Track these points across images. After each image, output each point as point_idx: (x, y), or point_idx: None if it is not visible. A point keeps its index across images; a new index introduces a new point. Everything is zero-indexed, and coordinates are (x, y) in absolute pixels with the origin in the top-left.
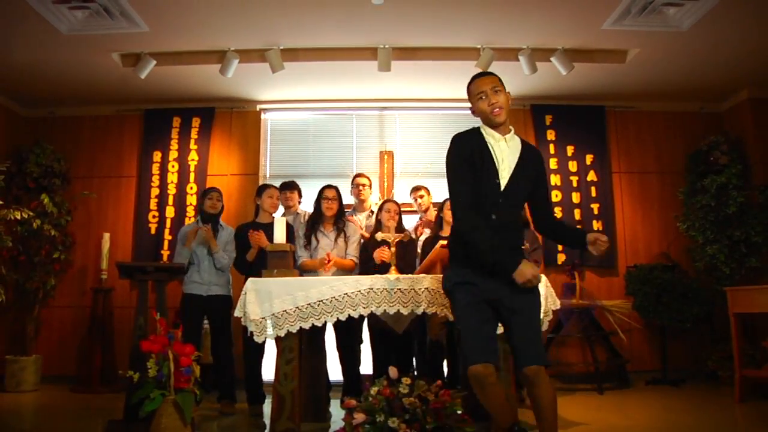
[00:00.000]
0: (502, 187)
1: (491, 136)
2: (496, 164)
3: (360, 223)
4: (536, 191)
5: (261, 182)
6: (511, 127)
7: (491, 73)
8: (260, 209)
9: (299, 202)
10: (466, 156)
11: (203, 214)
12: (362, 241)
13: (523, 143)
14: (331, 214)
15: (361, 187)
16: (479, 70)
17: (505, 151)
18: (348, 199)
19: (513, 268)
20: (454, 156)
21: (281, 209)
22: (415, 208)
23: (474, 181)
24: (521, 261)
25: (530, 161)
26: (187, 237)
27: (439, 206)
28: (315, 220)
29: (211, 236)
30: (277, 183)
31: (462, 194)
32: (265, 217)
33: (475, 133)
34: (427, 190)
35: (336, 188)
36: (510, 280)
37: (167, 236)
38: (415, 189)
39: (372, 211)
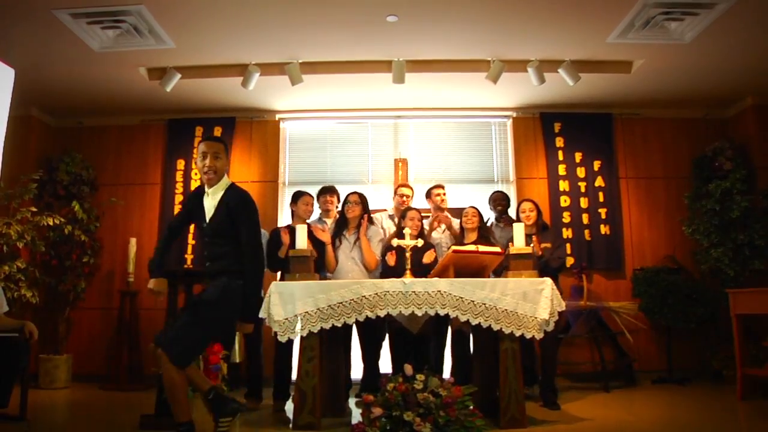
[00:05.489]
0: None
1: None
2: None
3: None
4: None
5: (280, 189)
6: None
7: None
8: (295, 215)
9: (336, 207)
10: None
11: None
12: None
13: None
14: (352, 215)
15: (405, 198)
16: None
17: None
18: (374, 204)
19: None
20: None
21: (316, 213)
22: (429, 206)
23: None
24: None
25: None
26: None
27: (461, 215)
28: (341, 224)
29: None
30: (296, 189)
31: None
32: (299, 222)
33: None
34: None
35: (359, 193)
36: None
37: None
38: (439, 186)
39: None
